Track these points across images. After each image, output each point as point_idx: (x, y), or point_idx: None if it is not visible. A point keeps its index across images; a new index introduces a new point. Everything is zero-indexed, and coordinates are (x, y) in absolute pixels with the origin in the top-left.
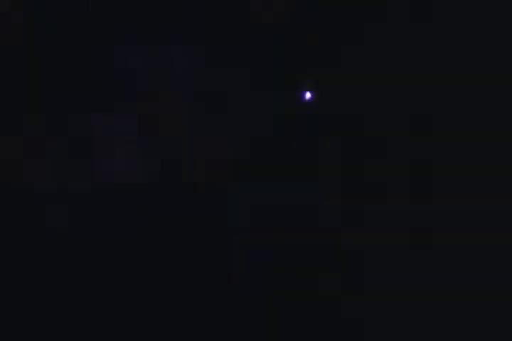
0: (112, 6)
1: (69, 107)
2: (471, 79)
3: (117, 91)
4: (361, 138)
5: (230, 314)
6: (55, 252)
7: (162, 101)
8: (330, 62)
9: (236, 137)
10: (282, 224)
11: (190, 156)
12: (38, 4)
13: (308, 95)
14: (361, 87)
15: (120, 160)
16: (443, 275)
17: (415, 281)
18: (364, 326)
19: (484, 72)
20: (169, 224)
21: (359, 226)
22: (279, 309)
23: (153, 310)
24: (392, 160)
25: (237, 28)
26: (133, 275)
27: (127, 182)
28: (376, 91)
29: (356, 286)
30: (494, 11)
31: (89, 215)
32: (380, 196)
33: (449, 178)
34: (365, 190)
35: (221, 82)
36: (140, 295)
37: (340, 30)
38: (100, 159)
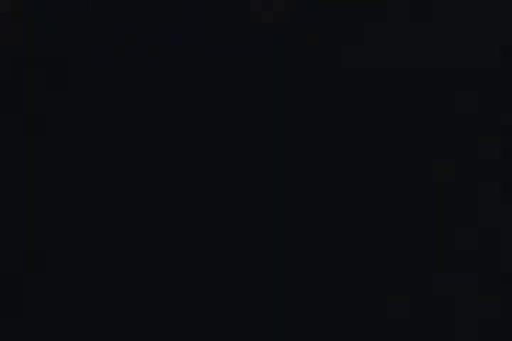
0: (111, 6)
1: (68, 107)
2: (471, 78)
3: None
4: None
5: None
6: None
7: None
8: (330, 62)
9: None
10: None
11: None
12: (38, 4)
13: None
14: (361, 87)
15: None
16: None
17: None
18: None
19: (484, 72)
20: None
21: None
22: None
23: (153, 308)
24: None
25: (237, 28)
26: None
27: None
28: (376, 91)
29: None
30: (495, 10)
31: None
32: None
33: None
34: None
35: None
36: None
37: (340, 30)
38: None
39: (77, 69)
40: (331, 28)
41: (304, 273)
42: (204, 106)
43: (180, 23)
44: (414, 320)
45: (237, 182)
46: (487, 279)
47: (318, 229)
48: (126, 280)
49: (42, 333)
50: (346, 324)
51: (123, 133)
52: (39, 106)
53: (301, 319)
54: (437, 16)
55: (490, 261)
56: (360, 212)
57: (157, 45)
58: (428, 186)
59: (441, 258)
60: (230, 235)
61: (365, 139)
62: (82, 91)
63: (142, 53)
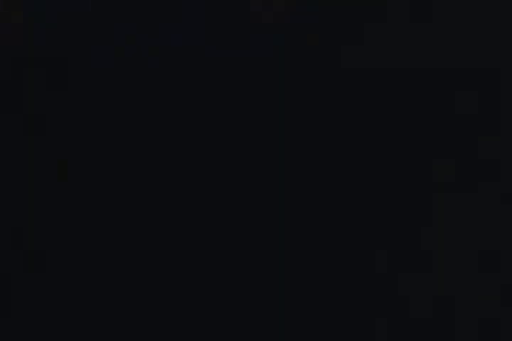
0: (111, 6)
1: (67, 108)
2: (471, 78)
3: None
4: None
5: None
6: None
7: None
8: (330, 62)
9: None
10: None
11: None
12: (38, 4)
13: None
14: (361, 87)
15: None
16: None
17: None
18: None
19: (484, 72)
20: None
21: None
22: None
23: (154, 308)
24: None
25: (237, 28)
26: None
27: None
28: (376, 91)
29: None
30: (494, 11)
31: None
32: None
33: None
34: None
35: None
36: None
37: (340, 30)
38: None
39: (77, 69)
40: (331, 28)
41: (304, 273)
42: (204, 106)
43: (180, 23)
44: (414, 320)
45: (237, 181)
46: (487, 279)
47: (318, 228)
48: (126, 279)
49: (42, 333)
50: (346, 324)
51: (123, 133)
52: (39, 106)
53: (301, 318)
54: (437, 16)
55: (490, 261)
56: (360, 211)
57: (157, 45)
58: (428, 186)
59: (441, 258)
60: (230, 235)
61: (365, 139)
62: (82, 91)
63: (142, 53)
